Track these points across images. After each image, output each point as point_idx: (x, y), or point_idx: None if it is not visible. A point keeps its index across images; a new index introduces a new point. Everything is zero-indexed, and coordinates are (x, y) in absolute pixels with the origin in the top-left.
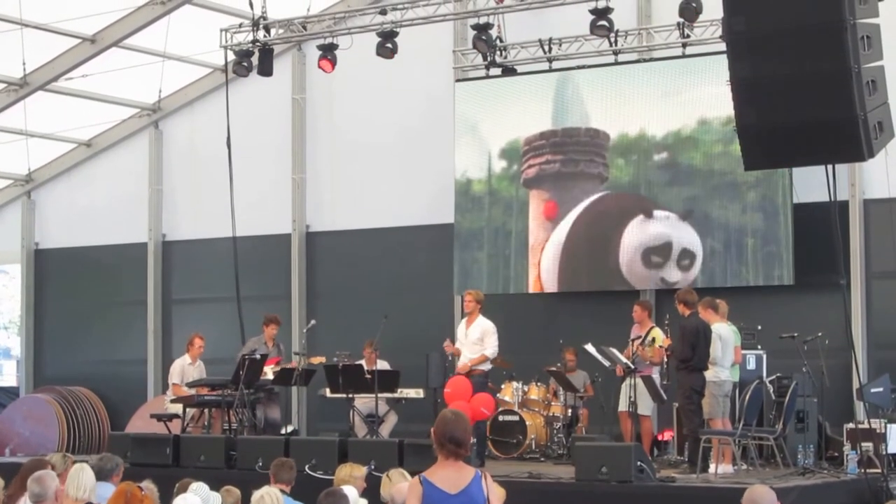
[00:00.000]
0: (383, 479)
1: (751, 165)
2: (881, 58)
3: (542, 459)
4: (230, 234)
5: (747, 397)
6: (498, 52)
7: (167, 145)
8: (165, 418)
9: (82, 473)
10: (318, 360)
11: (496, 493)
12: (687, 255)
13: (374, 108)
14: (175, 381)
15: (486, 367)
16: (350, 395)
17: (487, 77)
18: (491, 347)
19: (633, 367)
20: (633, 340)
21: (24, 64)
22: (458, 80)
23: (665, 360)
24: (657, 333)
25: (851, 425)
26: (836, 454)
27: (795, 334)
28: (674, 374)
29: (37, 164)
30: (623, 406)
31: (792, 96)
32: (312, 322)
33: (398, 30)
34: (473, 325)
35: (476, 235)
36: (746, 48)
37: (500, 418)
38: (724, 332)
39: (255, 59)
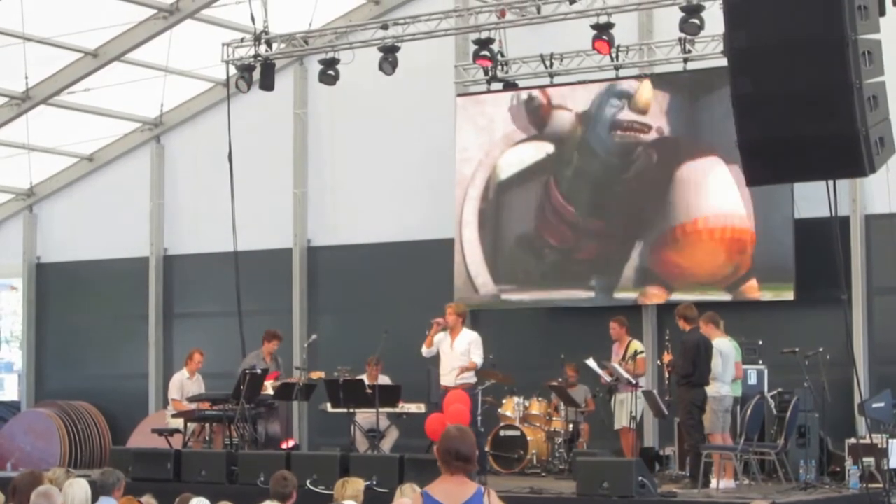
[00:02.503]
0: (396, 492)
1: (752, 181)
2: (882, 73)
3: (544, 474)
4: (231, 249)
5: (748, 412)
6: (499, 67)
7: (169, 159)
8: (166, 433)
9: (71, 489)
10: (317, 375)
11: None
12: None
13: (376, 122)
14: (174, 395)
15: (473, 379)
16: (351, 410)
17: (489, 92)
18: (478, 357)
19: (634, 381)
20: (622, 361)
21: (26, 78)
22: (459, 95)
23: (667, 375)
24: (637, 346)
25: (853, 440)
26: (838, 469)
27: (797, 349)
28: (675, 389)
29: (39, 179)
30: (621, 423)
31: (793, 112)
32: (313, 337)
33: (400, 45)
34: (458, 337)
35: None
36: (748, 64)
37: (502, 433)
38: (724, 348)
39: (256, 74)
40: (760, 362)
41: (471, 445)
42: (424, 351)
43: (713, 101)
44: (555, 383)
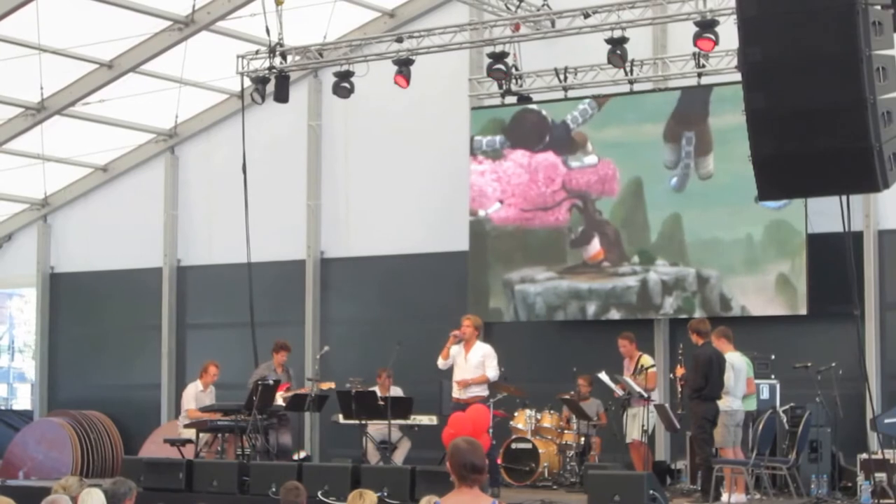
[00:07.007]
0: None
1: (765, 196)
2: None
3: (555, 487)
4: (245, 260)
5: (760, 427)
6: (513, 81)
7: (183, 170)
8: (179, 443)
9: (90, 497)
10: (327, 385)
11: None
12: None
13: (390, 134)
14: (191, 405)
15: (485, 392)
16: (363, 422)
17: (503, 105)
18: (492, 370)
19: (646, 395)
20: (633, 375)
21: (41, 89)
22: (473, 108)
23: (679, 389)
24: (647, 360)
25: (865, 456)
26: (850, 484)
27: (809, 364)
28: (687, 403)
29: (53, 189)
30: (633, 436)
31: (807, 127)
32: (326, 348)
33: (414, 57)
34: (472, 350)
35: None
36: (762, 79)
37: (513, 446)
38: (736, 362)
39: (271, 86)
40: (773, 377)
41: (481, 457)
42: (441, 363)
43: None
44: (567, 396)
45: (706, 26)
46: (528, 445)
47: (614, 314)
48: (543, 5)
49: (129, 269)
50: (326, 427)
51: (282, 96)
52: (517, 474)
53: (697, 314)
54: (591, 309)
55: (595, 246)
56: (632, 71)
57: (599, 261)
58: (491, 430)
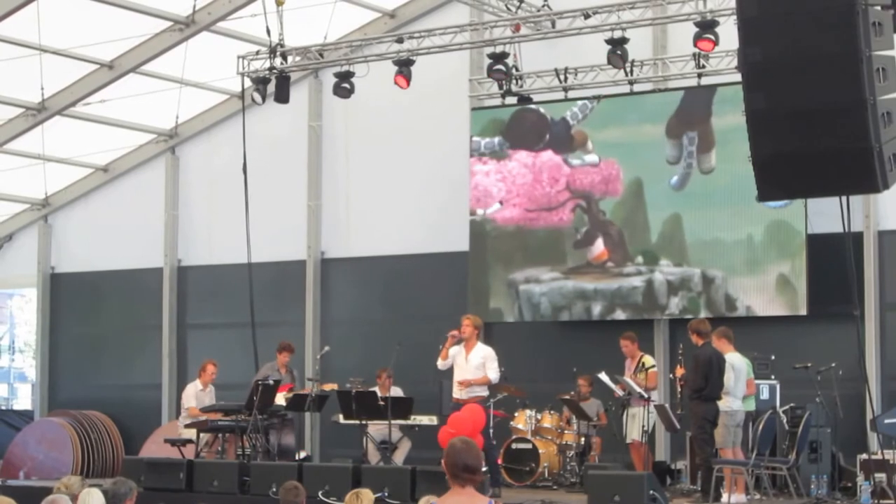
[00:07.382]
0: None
1: (765, 196)
2: None
3: (555, 487)
4: (245, 260)
5: (760, 427)
6: (514, 81)
7: (184, 171)
8: (179, 443)
9: (90, 497)
10: (329, 386)
11: None
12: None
13: (390, 135)
14: (191, 403)
15: (485, 392)
16: (363, 422)
17: (503, 106)
18: (493, 372)
19: (646, 395)
20: (633, 375)
21: (42, 89)
22: (473, 109)
23: (679, 389)
24: (648, 360)
25: (865, 456)
26: (850, 485)
27: (809, 364)
28: (687, 403)
29: (54, 189)
30: (632, 436)
31: (807, 127)
32: (326, 348)
33: (414, 58)
34: (473, 351)
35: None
36: (762, 79)
37: (514, 446)
38: (736, 363)
39: (271, 86)
40: (773, 377)
41: (476, 457)
42: (440, 364)
43: None
44: (567, 396)
45: (706, 27)
46: (529, 445)
47: (620, 314)
48: (544, 6)
49: (129, 270)
50: (327, 427)
51: (282, 97)
52: (517, 474)
53: (703, 314)
54: (597, 309)
55: (599, 246)
56: (632, 71)
57: (603, 261)
58: (490, 431)
